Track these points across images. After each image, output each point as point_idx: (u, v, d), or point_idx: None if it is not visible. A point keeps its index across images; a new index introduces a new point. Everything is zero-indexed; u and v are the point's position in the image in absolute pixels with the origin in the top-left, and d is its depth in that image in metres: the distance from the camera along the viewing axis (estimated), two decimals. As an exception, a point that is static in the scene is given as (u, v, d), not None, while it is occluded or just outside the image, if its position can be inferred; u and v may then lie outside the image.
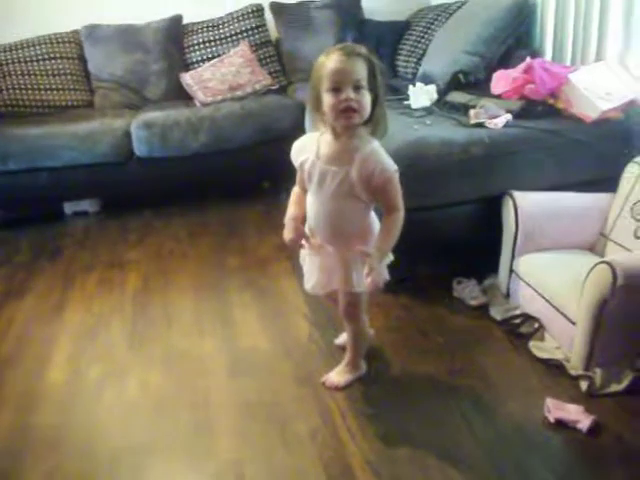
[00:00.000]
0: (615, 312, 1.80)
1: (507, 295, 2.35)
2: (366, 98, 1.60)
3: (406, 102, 2.95)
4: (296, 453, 1.70)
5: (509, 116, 2.49)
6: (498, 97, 2.70)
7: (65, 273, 2.97)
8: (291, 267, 2.75)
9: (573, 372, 1.92)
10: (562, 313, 2.01)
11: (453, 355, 2.10)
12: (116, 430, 1.87)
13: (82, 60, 4.19)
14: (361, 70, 1.59)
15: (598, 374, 1.86)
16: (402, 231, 1.71)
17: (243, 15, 4.28)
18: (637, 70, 2.60)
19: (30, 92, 3.98)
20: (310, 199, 1.80)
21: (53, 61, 4.08)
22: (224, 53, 4.17)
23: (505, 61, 3.08)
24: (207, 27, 4.29)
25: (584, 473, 1.61)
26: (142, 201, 3.78)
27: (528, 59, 2.69)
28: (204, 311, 2.51)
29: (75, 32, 4.21)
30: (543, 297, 2.12)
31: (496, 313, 2.28)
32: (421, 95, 2.91)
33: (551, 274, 2.14)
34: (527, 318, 2.18)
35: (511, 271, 2.32)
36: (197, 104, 3.87)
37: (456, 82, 3.07)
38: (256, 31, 4.28)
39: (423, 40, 3.79)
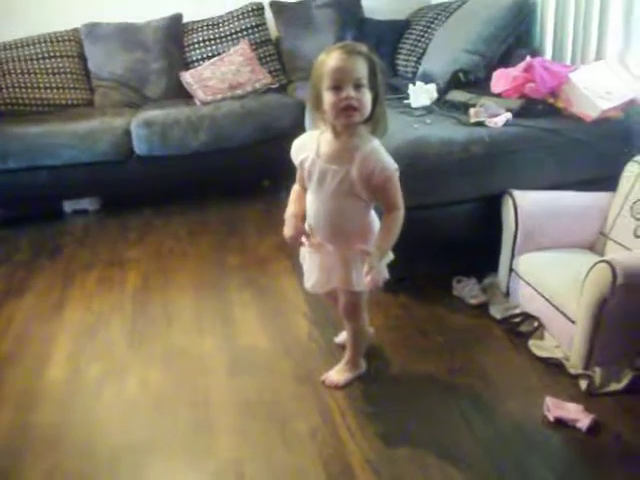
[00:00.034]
0: (615, 311, 1.80)
1: (507, 294, 2.35)
2: (366, 96, 1.60)
3: (406, 101, 2.95)
4: (296, 452, 1.71)
5: (509, 115, 2.49)
6: (498, 96, 2.70)
7: (65, 271, 2.97)
8: (291, 266, 2.75)
9: (573, 371, 1.92)
10: (562, 312, 2.01)
11: (453, 354, 2.10)
12: (116, 428, 1.87)
13: (82, 58, 4.19)
14: (362, 68, 1.59)
15: (598, 373, 1.87)
16: (402, 230, 1.71)
17: (243, 14, 4.28)
18: (637, 69, 2.60)
19: (30, 90, 3.98)
20: (310, 198, 1.80)
21: (53, 59, 4.08)
22: (224, 52, 4.17)
23: (505, 60, 3.08)
24: (207, 26, 4.29)
25: (583, 472, 1.61)
26: (142, 200, 3.78)
27: (528, 58, 2.69)
28: (204, 310, 2.51)
29: (75, 30, 4.21)
30: (543, 296, 2.12)
31: (496, 312, 2.29)
32: (421, 94, 2.91)
33: (551, 273, 2.14)
34: (527, 317, 2.18)
35: (511, 270, 2.32)
36: (197, 103, 3.87)
37: (456, 81, 3.07)
38: (256, 30, 4.28)
39: (423, 39, 3.79)
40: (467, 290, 2.42)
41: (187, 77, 4.06)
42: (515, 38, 3.21)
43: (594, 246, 2.29)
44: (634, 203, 2.14)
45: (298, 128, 3.06)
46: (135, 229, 3.45)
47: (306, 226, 1.83)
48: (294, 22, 4.34)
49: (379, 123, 1.69)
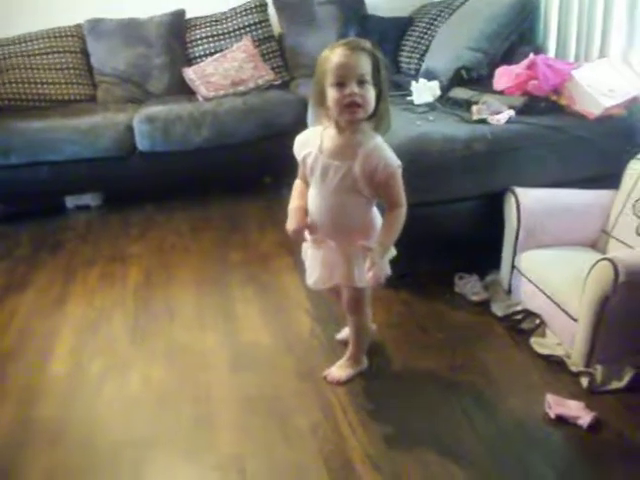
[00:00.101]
0: (616, 309, 1.80)
1: (509, 291, 2.35)
2: (370, 93, 1.60)
3: (409, 98, 2.95)
4: (297, 447, 1.71)
5: (512, 112, 2.48)
6: (501, 93, 2.70)
7: (67, 267, 2.97)
8: (293, 262, 2.75)
9: (574, 368, 1.92)
10: (563, 309, 2.01)
11: (454, 351, 2.10)
12: (117, 423, 1.87)
13: (85, 54, 4.18)
14: (365, 65, 1.59)
15: (599, 371, 1.87)
16: (404, 226, 1.72)
17: (246, 10, 4.27)
18: (640, 67, 2.60)
19: (33, 86, 3.98)
20: (312, 193, 1.80)
21: (56, 55, 4.08)
22: (227, 48, 4.17)
23: (508, 57, 3.08)
24: (210, 22, 4.29)
25: (584, 469, 1.61)
26: (144, 195, 3.78)
27: (531, 55, 2.69)
28: (206, 306, 2.52)
29: (78, 26, 4.21)
30: (544, 293, 2.12)
31: (497, 309, 2.29)
32: (424, 91, 2.91)
33: (553, 270, 2.14)
34: (528, 314, 2.18)
35: (513, 267, 2.32)
36: (199, 99, 3.87)
37: (459, 78, 3.07)
38: (259, 26, 4.27)
39: (426, 36, 3.78)
40: (469, 287, 2.42)
41: (190, 73, 4.06)
42: (518, 35, 3.21)
43: (596, 244, 2.29)
44: (636, 201, 2.14)
45: (300, 125, 3.03)
46: (137, 225, 3.45)
47: (308, 220, 1.83)
48: (297, 19, 4.33)
49: (382, 120, 1.69)
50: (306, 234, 1.82)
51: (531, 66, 2.62)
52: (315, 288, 1.91)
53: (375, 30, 3.98)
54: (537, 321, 2.14)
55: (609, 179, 2.27)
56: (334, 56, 1.59)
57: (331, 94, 1.60)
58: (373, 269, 1.63)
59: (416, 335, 2.22)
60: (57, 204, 3.81)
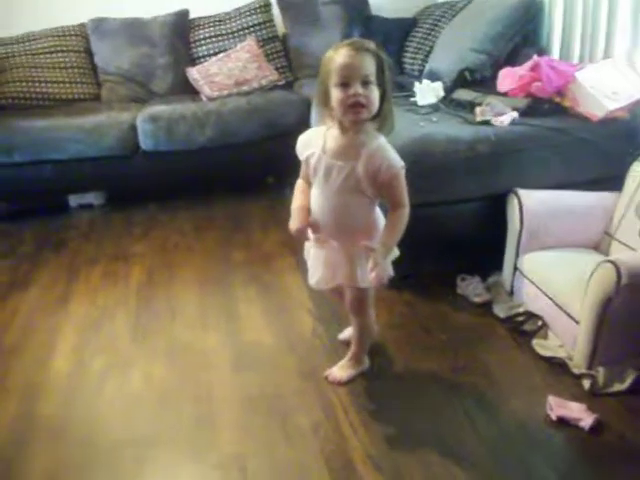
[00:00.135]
0: (619, 311, 1.80)
1: (511, 293, 2.35)
2: (374, 93, 1.60)
3: (412, 99, 2.96)
4: (298, 447, 1.71)
5: (515, 114, 2.49)
6: (504, 95, 2.70)
7: (70, 265, 2.98)
8: (295, 262, 2.75)
9: (576, 370, 1.92)
10: (565, 311, 2.01)
11: (456, 352, 2.10)
12: (119, 422, 1.87)
13: (89, 53, 4.19)
14: (370, 65, 1.59)
15: (601, 373, 1.87)
16: (407, 227, 1.72)
17: (250, 10, 4.28)
18: (645, 69, 2.59)
19: (37, 85, 3.98)
20: (315, 193, 1.80)
21: (60, 54, 4.09)
22: (231, 48, 4.17)
23: (512, 59, 3.08)
24: (214, 22, 4.29)
25: (586, 471, 1.61)
26: (147, 194, 3.78)
27: (535, 57, 2.69)
28: (208, 305, 2.52)
29: (82, 25, 4.21)
30: (547, 295, 2.12)
31: (500, 311, 2.29)
32: (427, 92, 2.91)
33: (555, 272, 2.13)
34: (531, 316, 2.18)
35: (515, 269, 2.32)
36: (203, 98, 3.87)
37: (462, 79, 3.07)
38: (263, 26, 4.28)
39: (430, 37, 3.78)
40: (471, 288, 2.42)
41: (194, 73, 4.06)
42: (522, 37, 3.21)
43: (599, 246, 2.29)
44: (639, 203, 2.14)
45: (303, 125, 3.04)
46: (140, 224, 3.46)
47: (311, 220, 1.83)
48: (301, 19, 4.34)
49: (386, 120, 1.69)
50: (309, 233, 1.82)
51: (535, 68, 2.62)
52: (317, 288, 1.91)
53: (379, 31, 3.98)
54: (539, 323, 2.14)
55: (612, 181, 2.27)
56: (338, 56, 1.59)
57: (335, 94, 1.60)
58: (376, 269, 1.63)
59: (418, 336, 2.22)
60: (60, 203, 3.82)
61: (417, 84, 2.98)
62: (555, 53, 3.15)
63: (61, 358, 2.21)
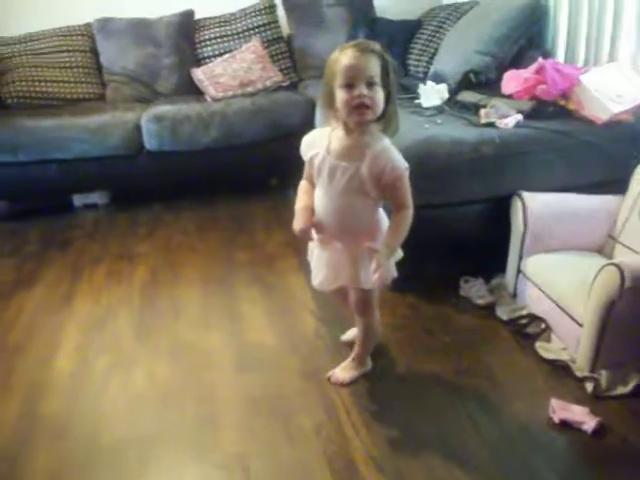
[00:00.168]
0: (622, 314, 1.80)
1: (514, 295, 2.35)
2: (379, 95, 1.60)
3: (417, 101, 2.96)
4: (300, 447, 1.71)
5: (520, 116, 2.49)
6: (509, 97, 2.70)
7: (74, 264, 2.98)
8: (298, 263, 2.75)
9: (579, 373, 1.92)
10: (569, 314, 2.01)
11: (459, 354, 2.10)
12: (122, 421, 1.88)
13: (94, 53, 4.20)
14: (375, 67, 1.59)
15: (604, 376, 1.86)
16: (410, 229, 1.72)
17: (255, 11, 4.29)
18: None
19: (42, 84, 3.99)
20: (319, 194, 1.80)
21: (65, 54, 4.10)
22: (236, 49, 4.18)
23: (517, 61, 3.08)
24: (219, 22, 4.30)
25: (588, 474, 1.61)
26: (152, 194, 3.79)
27: (540, 60, 2.69)
28: (211, 305, 2.52)
29: (87, 25, 4.22)
30: (550, 298, 2.12)
31: (503, 313, 2.29)
32: (432, 94, 2.91)
33: (559, 275, 2.13)
34: (534, 319, 2.18)
35: (519, 271, 2.32)
36: (208, 99, 3.88)
37: (467, 82, 3.07)
38: (268, 27, 4.28)
39: (435, 39, 3.78)
40: (474, 290, 2.42)
41: (198, 73, 4.07)
42: (527, 39, 3.21)
43: (603, 249, 2.29)
44: (644, 207, 2.14)
45: (308, 126, 3.03)
46: (144, 224, 3.47)
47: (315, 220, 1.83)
48: (306, 20, 4.34)
49: (391, 122, 1.69)
50: (313, 233, 1.82)
51: (539, 70, 2.62)
52: (320, 289, 1.91)
53: (384, 33, 3.99)
54: (542, 325, 2.14)
55: (616, 184, 2.27)
56: (344, 58, 1.59)
57: (340, 95, 1.61)
58: (379, 271, 1.63)
59: (421, 338, 2.22)
60: (65, 202, 3.83)
61: (422, 86, 2.98)
62: (560, 56, 3.15)
63: (65, 357, 2.21)
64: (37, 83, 3.98)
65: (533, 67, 2.67)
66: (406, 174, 1.68)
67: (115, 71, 4.17)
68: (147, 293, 2.66)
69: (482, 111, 2.57)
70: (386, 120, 1.68)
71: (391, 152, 1.68)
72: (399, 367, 2.07)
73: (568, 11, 3.07)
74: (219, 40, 4.25)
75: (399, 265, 1.82)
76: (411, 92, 3.11)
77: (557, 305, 2.08)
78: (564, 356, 2.00)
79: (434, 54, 3.66)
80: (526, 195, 2.27)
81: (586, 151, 2.39)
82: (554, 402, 1.78)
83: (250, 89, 3.94)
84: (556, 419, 1.74)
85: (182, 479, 1.67)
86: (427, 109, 2.84)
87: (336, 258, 1.80)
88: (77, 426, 1.86)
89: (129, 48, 4.17)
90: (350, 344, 2.08)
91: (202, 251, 3.06)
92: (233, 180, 3.86)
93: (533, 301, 2.23)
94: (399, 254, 1.82)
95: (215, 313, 2.46)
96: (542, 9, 3.22)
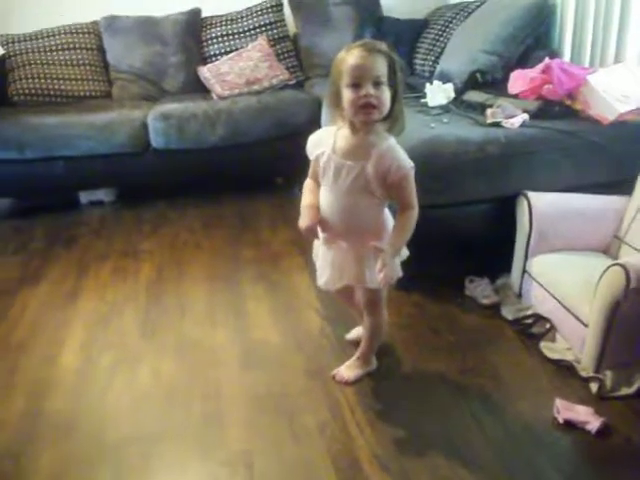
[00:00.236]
0: (627, 315, 1.79)
1: (519, 295, 2.35)
2: (386, 94, 1.60)
3: (423, 100, 2.96)
4: (305, 445, 1.72)
5: (526, 116, 2.48)
6: (515, 97, 2.70)
7: (80, 261, 2.99)
8: (304, 262, 2.76)
9: (584, 374, 1.92)
10: (574, 314, 2.01)
11: (464, 354, 2.10)
12: (126, 418, 1.88)
13: (101, 51, 4.21)
14: (381, 66, 1.59)
15: (609, 376, 1.86)
16: (416, 228, 1.72)
17: (262, 10, 4.29)
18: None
19: (49, 82, 4.01)
20: (324, 193, 1.80)
21: (72, 51, 4.11)
22: (242, 47, 4.18)
23: (523, 61, 3.07)
24: (226, 21, 4.31)
25: (592, 474, 1.61)
26: (157, 192, 3.80)
27: (546, 59, 2.68)
28: (217, 302, 2.53)
29: (94, 23, 4.24)
30: (555, 298, 2.12)
31: (508, 313, 2.29)
32: (438, 93, 2.91)
33: (564, 275, 2.13)
34: (539, 318, 2.17)
35: (524, 271, 2.31)
36: (214, 97, 3.89)
37: (473, 81, 3.07)
38: (274, 26, 4.29)
39: (441, 38, 3.78)
40: (479, 290, 2.42)
41: (205, 71, 4.08)
42: (534, 39, 3.20)
43: (608, 249, 2.29)
44: (650, 207, 2.13)
45: (314, 125, 3.05)
46: (150, 221, 3.48)
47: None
48: (312, 19, 4.35)
49: (397, 121, 1.69)
50: (319, 231, 1.82)
51: (546, 70, 2.62)
52: (325, 289, 1.91)
53: (390, 32, 3.99)
54: (547, 325, 2.14)
55: (622, 185, 2.27)
56: (350, 57, 1.60)
57: (346, 95, 1.61)
58: (384, 270, 1.63)
59: (426, 337, 2.22)
60: (71, 199, 3.84)
61: (428, 85, 2.98)
62: (566, 56, 3.14)
63: (69, 354, 2.22)
64: (44, 80, 4.00)
65: (539, 67, 2.67)
66: (411, 173, 1.68)
67: (122, 69, 4.18)
68: (152, 290, 2.66)
69: (488, 111, 2.56)
70: (392, 119, 1.68)
71: (397, 151, 1.68)
72: (404, 366, 2.07)
73: (575, 11, 3.06)
74: (226, 38, 4.25)
75: (404, 264, 1.82)
76: (417, 91, 3.11)
77: (562, 305, 2.07)
78: (569, 356, 2.00)
79: (440, 53, 3.66)
80: (532, 195, 2.26)
81: (592, 151, 2.39)
82: (558, 402, 1.78)
83: (256, 87, 3.94)
84: (560, 419, 1.74)
85: (187, 476, 1.68)
86: (433, 108, 2.84)
87: (341, 257, 1.80)
88: (82, 424, 1.87)
89: (136, 46, 4.18)
90: (355, 343, 2.09)
91: (208, 249, 3.07)
92: (239, 178, 3.87)
93: (538, 301, 2.22)
94: (405, 253, 1.82)
95: (220, 310, 2.46)
96: (549, 9, 3.21)
